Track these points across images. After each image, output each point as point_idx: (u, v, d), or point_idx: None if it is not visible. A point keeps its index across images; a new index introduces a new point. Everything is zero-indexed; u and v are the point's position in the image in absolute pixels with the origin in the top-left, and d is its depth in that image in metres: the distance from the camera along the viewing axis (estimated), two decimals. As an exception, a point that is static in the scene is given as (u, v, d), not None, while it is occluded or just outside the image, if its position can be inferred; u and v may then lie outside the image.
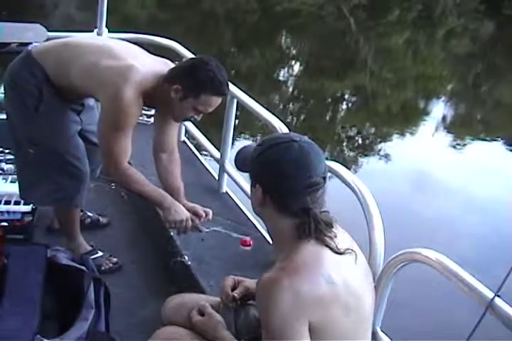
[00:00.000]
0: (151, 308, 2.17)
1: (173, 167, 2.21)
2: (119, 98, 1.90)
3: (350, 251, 1.31)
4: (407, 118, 8.60)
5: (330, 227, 1.31)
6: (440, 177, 5.71)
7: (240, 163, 1.47)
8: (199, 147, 3.57)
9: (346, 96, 9.65)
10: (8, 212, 2.52)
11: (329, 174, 1.36)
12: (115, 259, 2.46)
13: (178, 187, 2.17)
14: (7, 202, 2.54)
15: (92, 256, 2.29)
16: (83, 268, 1.76)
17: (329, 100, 9.05)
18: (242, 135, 6.23)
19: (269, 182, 1.31)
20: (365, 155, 6.66)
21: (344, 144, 7.24)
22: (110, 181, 2.95)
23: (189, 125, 3.39)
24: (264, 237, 2.44)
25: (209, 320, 1.51)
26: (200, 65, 1.94)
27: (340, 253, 1.29)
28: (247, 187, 2.63)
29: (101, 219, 2.77)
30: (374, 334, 1.60)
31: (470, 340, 1.27)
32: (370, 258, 1.61)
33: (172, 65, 2.07)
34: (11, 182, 2.64)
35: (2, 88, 2.26)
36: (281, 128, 2.38)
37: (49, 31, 3.17)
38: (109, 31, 3.53)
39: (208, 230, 2.05)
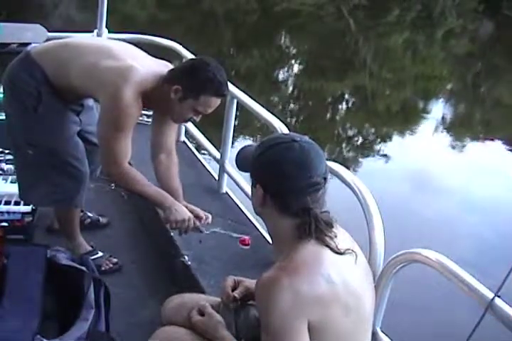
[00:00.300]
0: (151, 308, 2.18)
1: (171, 168, 2.20)
2: (119, 98, 1.90)
3: (350, 251, 1.31)
4: (407, 118, 8.61)
5: (330, 227, 1.31)
6: (440, 177, 5.71)
7: (241, 163, 1.47)
8: (199, 147, 3.57)
9: (346, 97, 9.65)
10: (8, 213, 2.52)
11: (329, 174, 1.36)
12: (115, 259, 2.46)
13: (176, 189, 2.17)
14: (7, 203, 2.54)
15: (92, 257, 2.29)
16: (83, 268, 1.76)
17: (329, 100, 9.06)
18: (242, 135, 6.23)
19: (270, 182, 1.32)
20: (365, 156, 6.66)
21: (344, 144, 7.24)
22: (110, 181, 2.96)
23: (189, 125, 3.40)
24: (264, 237, 2.44)
25: (209, 320, 1.51)
26: (200, 66, 1.94)
27: (341, 254, 1.29)
28: (247, 187, 2.63)
29: (101, 219, 2.77)
30: (374, 335, 1.60)
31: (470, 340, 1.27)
32: (370, 258, 1.62)
33: (171, 67, 2.07)
34: (11, 182, 2.64)
35: (1, 89, 2.26)
36: (281, 128, 2.38)
37: (49, 31, 3.17)
38: (109, 32, 3.53)
39: (208, 232, 2.05)
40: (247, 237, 2.40)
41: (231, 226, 2.52)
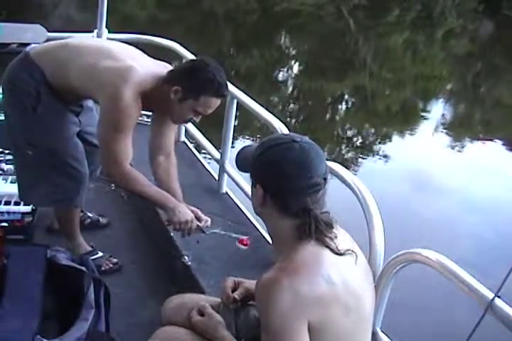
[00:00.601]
0: (151, 308, 2.18)
1: (170, 170, 2.20)
2: (118, 98, 1.89)
3: (350, 251, 1.31)
4: (407, 119, 8.61)
5: (330, 228, 1.31)
6: (440, 178, 5.72)
7: (241, 163, 1.47)
8: (199, 147, 3.57)
9: (346, 97, 9.65)
10: (8, 213, 2.52)
11: (329, 174, 1.36)
12: (115, 260, 2.46)
13: (176, 191, 2.15)
14: (7, 203, 2.54)
15: (92, 257, 2.29)
16: (83, 268, 1.76)
17: (329, 100, 9.06)
18: (242, 135, 6.23)
19: (270, 183, 1.31)
20: (365, 156, 6.66)
21: (344, 144, 7.24)
22: (110, 182, 2.96)
23: (189, 125, 3.39)
24: (264, 237, 2.44)
25: (209, 320, 1.51)
26: (200, 67, 1.94)
27: (341, 254, 1.29)
28: (247, 187, 2.63)
29: (101, 219, 2.77)
30: (374, 335, 1.60)
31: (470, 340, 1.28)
32: (370, 258, 1.62)
33: (171, 68, 2.06)
34: (11, 182, 2.64)
35: (0, 89, 2.26)
36: (281, 128, 2.38)
37: (49, 32, 3.17)
38: (109, 32, 3.53)
39: (208, 232, 2.04)
40: (245, 237, 2.40)
41: (231, 226, 2.52)
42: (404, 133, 7.62)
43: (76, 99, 2.19)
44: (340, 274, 1.28)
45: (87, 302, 1.66)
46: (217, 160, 2.99)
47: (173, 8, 14.08)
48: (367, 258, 1.51)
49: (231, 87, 2.55)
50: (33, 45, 2.31)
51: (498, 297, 1.30)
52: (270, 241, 1.44)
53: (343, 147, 7.09)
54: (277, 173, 1.30)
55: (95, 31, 3.50)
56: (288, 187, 1.29)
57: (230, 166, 2.86)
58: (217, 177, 3.00)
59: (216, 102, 1.96)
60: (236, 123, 2.87)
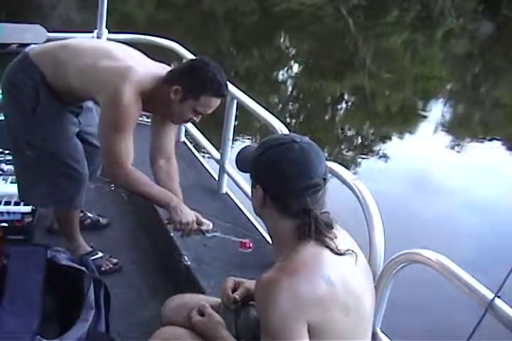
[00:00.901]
0: (151, 309, 2.18)
1: (171, 173, 2.19)
2: (118, 98, 1.89)
3: (350, 252, 1.31)
4: (407, 119, 8.61)
5: (330, 228, 1.31)
6: (439, 178, 5.72)
7: (241, 163, 1.47)
8: (199, 147, 3.57)
9: (345, 97, 9.65)
10: (8, 213, 2.52)
11: (329, 175, 1.36)
12: (115, 260, 2.46)
13: (177, 193, 2.14)
14: (7, 203, 2.54)
15: (92, 257, 2.28)
16: (83, 268, 1.77)
17: (328, 101, 9.05)
18: (242, 136, 6.23)
19: (270, 183, 1.32)
20: (365, 156, 6.66)
21: (343, 145, 7.24)
22: (110, 182, 2.95)
23: (189, 125, 3.40)
24: (265, 238, 2.44)
25: (209, 321, 1.51)
26: (200, 67, 1.94)
27: (340, 254, 1.29)
28: (247, 187, 2.63)
29: (101, 219, 2.77)
30: (374, 335, 1.60)
31: (470, 341, 1.28)
32: (370, 258, 1.61)
33: (170, 69, 2.06)
34: (11, 183, 2.64)
35: (0, 89, 2.26)
36: (281, 128, 2.38)
37: (49, 32, 3.17)
38: (109, 32, 3.53)
39: (210, 236, 2.04)
40: (247, 240, 2.39)
41: (231, 228, 2.51)
42: (404, 134, 7.62)
43: (76, 100, 2.18)
44: (340, 274, 1.28)
45: (87, 303, 1.66)
46: (217, 161, 2.99)
47: (173, 8, 14.07)
48: (367, 258, 1.51)
49: (231, 88, 2.55)
50: (32, 46, 2.31)
51: (498, 297, 1.30)
52: (270, 242, 1.44)
53: (342, 147, 7.09)
54: (277, 174, 1.30)
55: (95, 31, 3.50)
56: (288, 188, 1.29)
57: (230, 166, 2.86)
58: (217, 178, 3.00)
59: (216, 102, 1.96)
60: (236, 124, 2.87)
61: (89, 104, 2.32)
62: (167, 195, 2.02)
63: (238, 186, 2.79)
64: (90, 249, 2.43)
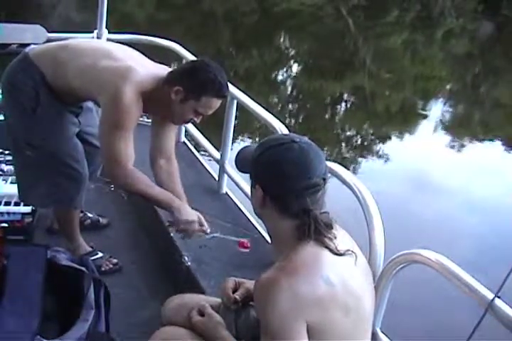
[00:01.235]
0: (151, 309, 2.18)
1: (172, 173, 2.18)
2: (119, 97, 1.89)
3: (350, 252, 1.31)
4: (406, 119, 8.61)
5: (330, 228, 1.31)
6: (439, 178, 5.72)
7: (240, 163, 1.47)
8: (199, 148, 3.57)
9: (345, 97, 9.65)
10: (8, 213, 2.52)
11: (329, 175, 1.36)
12: (115, 260, 2.46)
13: (180, 193, 2.14)
14: (7, 203, 2.54)
15: (92, 257, 2.28)
16: (83, 268, 1.77)
17: (328, 101, 9.06)
18: (242, 136, 6.23)
19: (269, 183, 1.32)
20: (365, 156, 6.66)
21: (343, 145, 7.24)
22: (110, 182, 2.95)
23: (189, 126, 3.39)
24: (264, 238, 2.44)
25: (209, 321, 1.51)
26: (201, 67, 1.94)
27: (340, 255, 1.29)
28: (247, 187, 2.63)
29: (101, 219, 2.77)
30: (374, 335, 1.60)
31: (470, 341, 1.28)
32: (370, 258, 1.62)
33: (170, 70, 2.06)
34: (11, 183, 2.64)
35: (0, 89, 2.26)
36: (281, 129, 2.38)
37: (49, 32, 3.17)
38: (109, 32, 3.53)
39: (209, 237, 2.04)
40: (245, 240, 2.39)
41: (230, 229, 2.51)
42: (404, 134, 7.63)
43: (76, 100, 2.18)
44: (340, 275, 1.28)
45: (87, 303, 1.66)
46: (217, 161, 2.99)
47: (173, 9, 14.07)
48: (367, 258, 1.51)
49: (231, 88, 2.55)
50: (32, 46, 2.31)
51: (498, 297, 1.30)
52: (270, 242, 1.45)
53: (342, 147, 7.10)
54: (277, 174, 1.30)
55: (95, 31, 3.50)
56: (287, 188, 1.29)
57: (230, 167, 2.86)
58: (217, 178, 3.00)
59: (217, 103, 1.96)
60: (236, 124, 2.87)
61: (89, 104, 2.32)
62: (169, 195, 2.01)
63: (238, 186, 2.79)
64: (90, 249, 2.43)
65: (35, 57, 2.09)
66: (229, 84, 2.03)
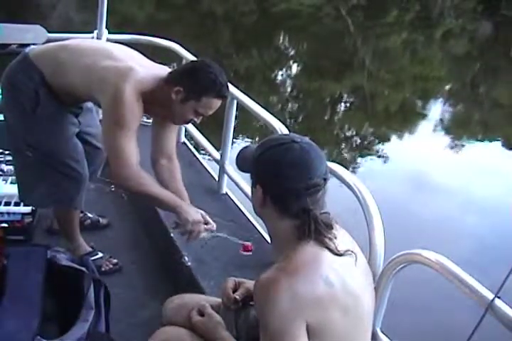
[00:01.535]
0: (151, 309, 2.18)
1: (174, 173, 2.18)
2: (120, 97, 1.88)
3: (350, 252, 1.31)
4: (406, 119, 8.62)
5: (330, 228, 1.31)
6: (439, 178, 5.72)
7: (241, 163, 1.47)
8: (199, 148, 3.57)
9: (345, 97, 9.66)
10: (8, 213, 2.52)
11: (329, 175, 1.36)
12: (115, 260, 2.46)
13: (183, 193, 2.13)
14: (7, 203, 2.55)
15: (92, 257, 2.28)
16: (83, 269, 1.76)
17: (328, 101, 9.06)
18: (242, 136, 6.23)
19: (270, 183, 1.31)
20: (364, 156, 6.66)
21: (343, 145, 7.25)
22: (110, 182, 2.96)
23: (189, 126, 3.40)
24: (264, 238, 2.44)
25: (209, 321, 1.51)
26: (202, 68, 1.94)
27: (340, 255, 1.29)
28: (247, 188, 2.63)
29: (101, 220, 2.77)
30: (374, 335, 1.60)
31: (470, 341, 1.28)
32: (370, 259, 1.62)
33: (170, 70, 2.05)
34: (11, 183, 2.64)
35: (0, 90, 2.27)
36: (281, 129, 2.38)
37: (49, 32, 3.17)
38: (109, 32, 3.53)
39: (214, 234, 2.03)
40: (249, 243, 2.39)
41: (231, 228, 2.51)
42: (404, 134, 7.63)
43: (75, 100, 2.18)
44: (339, 275, 1.28)
45: (87, 303, 1.66)
46: (217, 161, 2.99)
47: (172, 9, 14.07)
48: (367, 258, 1.51)
49: (231, 88, 2.55)
50: (32, 46, 2.31)
51: (498, 297, 1.30)
52: (270, 242, 1.45)
53: (342, 147, 7.10)
54: (277, 174, 1.30)
55: (95, 32, 3.50)
56: (288, 188, 1.29)
57: (230, 167, 2.86)
58: (217, 178, 3.00)
59: (217, 103, 1.96)
60: (236, 124, 2.87)
61: (89, 104, 2.32)
62: (174, 197, 1.99)
63: (238, 186, 2.79)
64: (90, 249, 2.43)
65: (35, 57, 2.09)
66: (229, 85, 2.03)
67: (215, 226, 2.02)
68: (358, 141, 7.55)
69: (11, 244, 1.83)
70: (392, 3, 17.65)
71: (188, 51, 3.30)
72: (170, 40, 3.54)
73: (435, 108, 9.06)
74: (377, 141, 7.34)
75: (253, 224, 2.62)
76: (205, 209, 2.12)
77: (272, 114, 2.54)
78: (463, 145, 7.30)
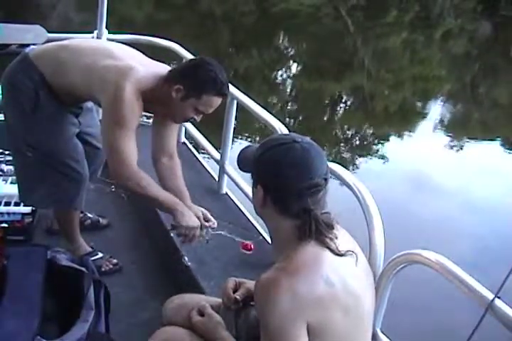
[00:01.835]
0: (151, 309, 2.18)
1: (175, 171, 2.18)
2: (119, 96, 1.88)
3: (350, 252, 1.31)
4: (406, 119, 8.62)
5: (330, 229, 1.31)
6: (439, 178, 5.72)
7: (242, 163, 1.47)
8: (199, 148, 3.57)
9: (344, 97, 9.66)
10: (8, 213, 2.52)
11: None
12: (115, 261, 2.46)
13: (183, 191, 2.13)
14: (7, 204, 2.55)
15: (92, 258, 2.27)
16: (83, 269, 1.76)
17: (327, 101, 9.07)
18: (242, 136, 6.23)
19: (271, 183, 1.31)
20: (364, 156, 6.66)
21: (342, 145, 7.25)
22: (110, 183, 2.95)
23: (189, 126, 3.40)
24: (265, 238, 2.44)
25: (209, 321, 1.51)
26: (202, 65, 1.94)
27: (341, 255, 1.29)
28: (247, 188, 2.64)
29: (101, 220, 2.76)
30: (374, 335, 1.60)
31: (470, 341, 1.28)
32: (370, 259, 1.61)
33: (170, 69, 2.06)
34: (11, 183, 2.64)
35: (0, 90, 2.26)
36: (281, 129, 2.38)
37: (49, 32, 3.17)
38: (108, 32, 3.53)
39: (214, 233, 2.03)
40: (249, 242, 2.39)
41: (232, 228, 2.51)
42: (403, 134, 7.63)
43: (76, 100, 2.18)
44: (340, 275, 1.28)
45: (87, 303, 1.66)
46: (217, 161, 2.99)
47: (172, 9, 14.07)
48: (367, 258, 1.51)
49: (231, 88, 2.55)
50: (32, 47, 2.31)
51: (498, 297, 1.30)
52: (270, 242, 1.45)
53: (342, 147, 7.10)
54: (278, 174, 1.29)
55: (95, 32, 3.50)
56: (288, 188, 1.29)
57: (230, 167, 2.86)
58: (217, 178, 3.00)
59: (218, 101, 1.96)
60: (236, 124, 2.87)
61: (89, 104, 2.32)
62: (173, 199, 1.97)
63: (238, 186, 2.79)
64: (90, 250, 2.43)
65: (35, 57, 2.09)
66: (229, 84, 2.03)
67: (216, 223, 2.03)
68: (358, 141, 7.55)
69: (11, 244, 1.83)
70: (391, 3, 17.66)
71: (188, 51, 3.30)
72: (170, 40, 3.54)
73: (435, 108, 9.07)
74: (377, 141, 7.35)
75: (253, 224, 2.62)
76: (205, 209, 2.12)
77: (271, 114, 2.54)
78: (462, 145, 7.30)
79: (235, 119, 2.83)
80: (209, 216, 2.01)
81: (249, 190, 2.64)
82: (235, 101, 2.74)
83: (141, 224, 2.88)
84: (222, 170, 2.92)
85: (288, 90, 9.80)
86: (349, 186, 1.79)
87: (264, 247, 2.37)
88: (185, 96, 1.92)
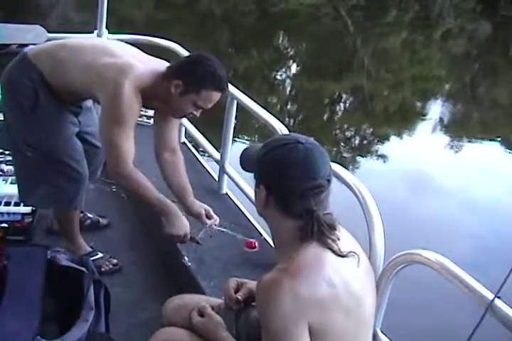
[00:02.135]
0: (151, 309, 2.18)
1: (178, 165, 2.19)
2: (119, 93, 1.89)
3: (352, 253, 1.31)
4: (405, 119, 8.62)
5: (333, 230, 1.31)
6: (439, 178, 5.72)
7: (245, 162, 1.46)
8: (199, 148, 3.57)
9: (344, 97, 9.66)
10: (8, 214, 2.52)
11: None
12: (115, 261, 2.46)
13: (186, 186, 2.15)
14: (7, 204, 2.54)
15: (92, 258, 2.28)
16: (83, 269, 1.76)
17: (327, 101, 9.06)
18: (242, 136, 6.23)
19: (273, 184, 1.31)
20: (364, 156, 6.66)
21: (342, 145, 7.25)
22: (110, 183, 2.95)
23: (189, 126, 3.40)
24: (265, 238, 2.44)
25: (209, 321, 1.51)
26: (201, 61, 1.94)
27: (343, 256, 1.29)
28: (248, 188, 2.64)
29: (101, 220, 2.76)
30: (374, 336, 1.60)
31: (470, 341, 1.28)
32: (370, 259, 1.61)
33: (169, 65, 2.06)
34: (11, 183, 2.64)
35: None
36: (282, 129, 2.38)
37: (49, 32, 3.17)
38: (108, 32, 3.53)
39: (217, 229, 2.04)
40: (253, 240, 2.39)
41: (232, 228, 2.51)
42: (403, 134, 7.63)
43: (75, 99, 2.18)
44: (342, 276, 1.27)
45: (87, 303, 1.66)
46: (217, 161, 2.99)
47: (172, 9, 14.07)
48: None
49: (231, 88, 2.55)
50: (31, 46, 2.30)
51: (498, 297, 1.30)
52: (271, 242, 1.45)
53: (342, 147, 7.10)
54: (281, 174, 1.29)
55: (95, 32, 3.50)
56: (291, 188, 1.29)
57: (231, 167, 2.86)
58: (217, 178, 3.00)
59: (217, 96, 1.96)
60: (236, 124, 2.87)
61: (89, 103, 2.32)
62: (166, 204, 1.99)
63: (238, 187, 2.79)
64: (90, 250, 2.43)
65: (34, 56, 2.09)
66: (228, 84, 2.03)
67: (218, 220, 2.04)
68: (358, 140, 7.55)
69: (11, 244, 1.83)
70: (391, 3, 17.65)
71: (188, 51, 3.30)
72: (170, 40, 3.54)
73: (434, 108, 9.07)
74: (377, 140, 7.35)
75: (253, 225, 2.62)
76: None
77: (271, 114, 2.53)
78: (462, 145, 7.30)
79: (235, 119, 2.83)
80: (212, 213, 2.03)
81: (249, 190, 2.65)
82: (235, 101, 2.74)
83: (141, 224, 2.87)
84: (222, 170, 2.92)
85: (288, 90, 9.80)
86: (349, 186, 1.79)
87: (264, 247, 2.37)
88: (185, 91, 1.92)
